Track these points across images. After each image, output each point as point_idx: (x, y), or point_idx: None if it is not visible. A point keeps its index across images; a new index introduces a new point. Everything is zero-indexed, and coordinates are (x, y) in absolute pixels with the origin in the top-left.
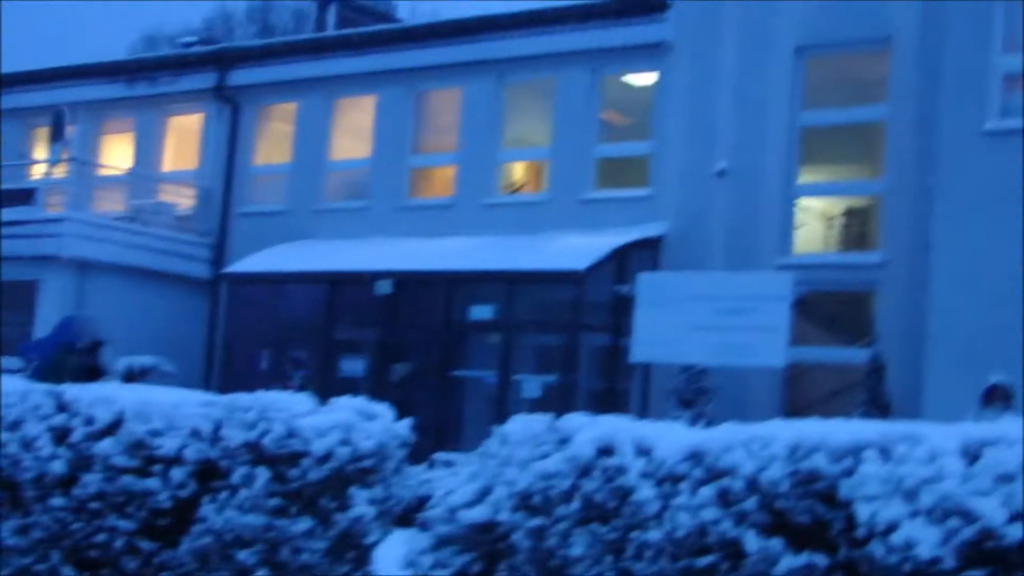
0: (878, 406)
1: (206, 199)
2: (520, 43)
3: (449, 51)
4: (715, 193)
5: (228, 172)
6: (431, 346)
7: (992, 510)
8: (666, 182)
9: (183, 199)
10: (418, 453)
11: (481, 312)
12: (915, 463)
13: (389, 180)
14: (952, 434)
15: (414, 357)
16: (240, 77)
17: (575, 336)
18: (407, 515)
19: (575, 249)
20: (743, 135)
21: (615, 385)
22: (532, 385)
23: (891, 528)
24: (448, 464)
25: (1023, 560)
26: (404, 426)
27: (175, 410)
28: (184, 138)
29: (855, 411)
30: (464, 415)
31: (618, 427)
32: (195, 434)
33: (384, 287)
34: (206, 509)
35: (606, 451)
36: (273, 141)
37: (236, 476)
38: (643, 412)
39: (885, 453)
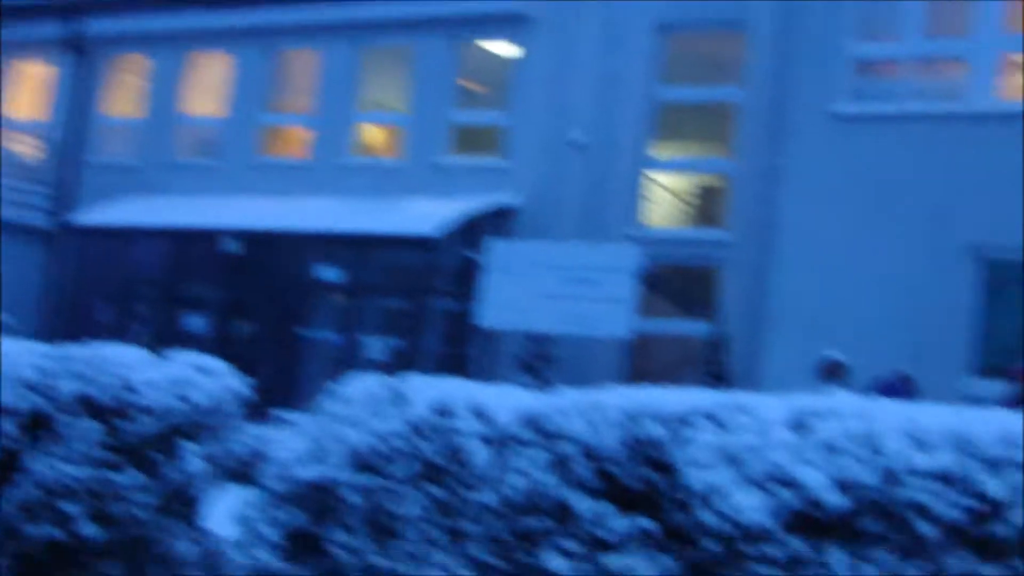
0: (718, 378)
1: (55, 150)
2: (379, 7)
3: (307, 12)
4: (569, 165)
5: (78, 123)
6: (278, 305)
7: (817, 479)
8: (522, 152)
9: (30, 148)
10: (259, 411)
11: (329, 273)
12: (744, 432)
13: (243, 138)
14: (782, 405)
15: (260, 316)
16: (92, 27)
17: (423, 300)
18: (242, 472)
19: (428, 214)
20: (600, 109)
21: (461, 350)
22: (378, 347)
23: (719, 494)
24: (287, 422)
25: (844, 527)
26: (242, 383)
27: (8, 361)
28: (35, 87)
29: (696, 383)
30: (308, 375)
31: (456, 390)
32: (27, 385)
33: (231, 244)
34: (32, 460)
35: (443, 413)
36: (125, 94)
37: (65, 427)
38: (486, 377)
39: (717, 421)
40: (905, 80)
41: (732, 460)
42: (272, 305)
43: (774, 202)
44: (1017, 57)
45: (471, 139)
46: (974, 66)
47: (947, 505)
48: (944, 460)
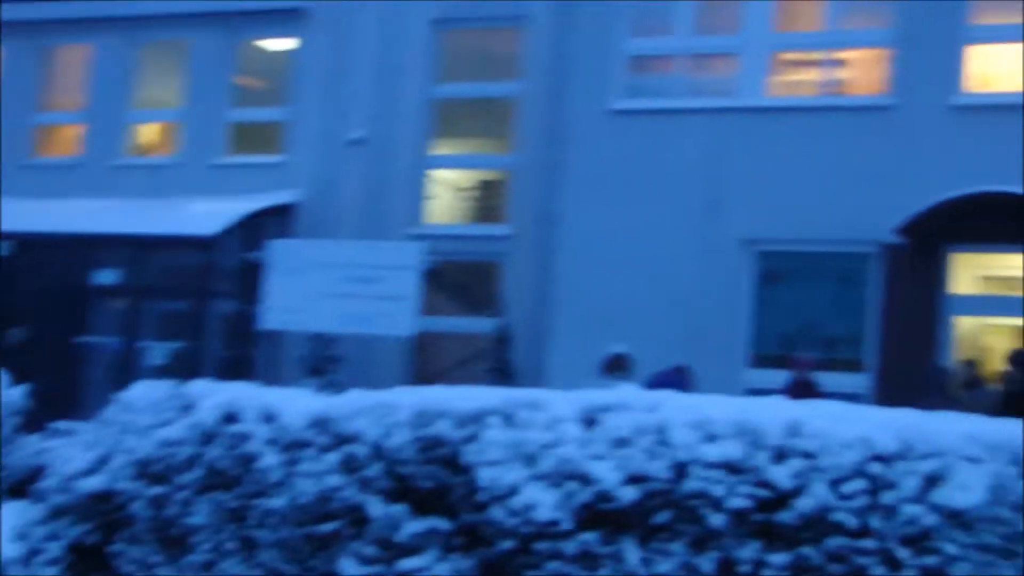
0: (504, 374)
1: None
2: (153, 3)
3: (78, 6)
4: (349, 162)
5: None
6: (52, 311)
7: (608, 473)
8: (301, 149)
9: None
10: (36, 422)
11: (106, 276)
12: (535, 429)
13: (11, 138)
14: (572, 401)
15: (34, 322)
16: None
17: (203, 303)
18: (20, 486)
19: (205, 214)
20: (379, 105)
21: (244, 352)
22: (158, 352)
23: (511, 492)
24: (66, 433)
25: (636, 520)
26: (18, 393)
27: None
28: None
29: (482, 379)
30: (87, 382)
31: (243, 394)
32: None
33: (0, 248)
34: None
35: (230, 418)
36: None
37: None
38: (272, 380)
39: (507, 419)
40: (679, 76)
41: (524, 457)
42: (47, 311)
43: (554, 197)
44: (786, 54)
45: (249, 137)
46: (745, 62)
47: (735, 495)
48: (731, 450)
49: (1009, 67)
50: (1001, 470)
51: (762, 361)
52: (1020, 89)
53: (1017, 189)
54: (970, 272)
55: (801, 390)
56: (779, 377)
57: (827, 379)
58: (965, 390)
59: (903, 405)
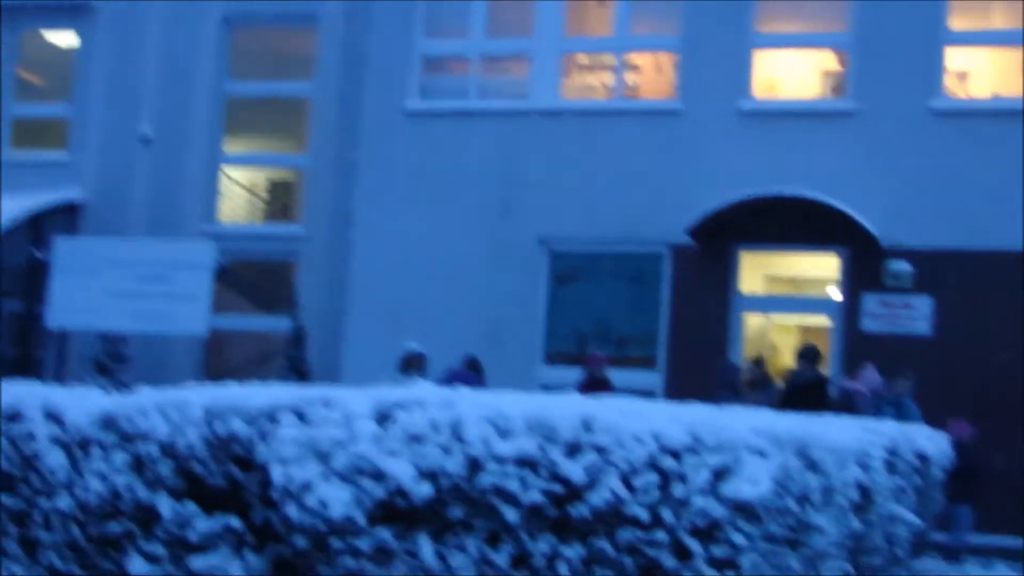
0: (299, 373)
1: None
2: None
3: None
4: (138, 159)
5: None
6: None
7: (402, 469)
8: (87, 146)
9: None
10: None
11: None
12: (329, 426)
13: None
14: (365, 398)
15: None
16: None
17: None
18: None
19: None
20: (168, 102)
21: (30, 352)
22: None
23: (305, 489)
24: None
25: (430, 516)
26: None
27: None
28: None
29: (276, 378)
30: None
31: (26, 393)
32: None
33: None
34: None
35: (13, 417)
36: None
37: None
38: (60, 379)
39: (301, 416)
40: (474, 77)
41: (318, 455)
42: None
43: (348, 197)
44: (579, 58)
45: (33, 132)
46: (537, 65)
47: (529, 489)
48: (525, 445)
49: (795, 73)
50: (787, 462)
51: (556, 359)
52: (806, 96)
53: (802, 192)
54: (758, 272)
55: (594, 387)
56: (573, 374)
57: (620, 376)
58: (752, 387)
59: (694, 401)
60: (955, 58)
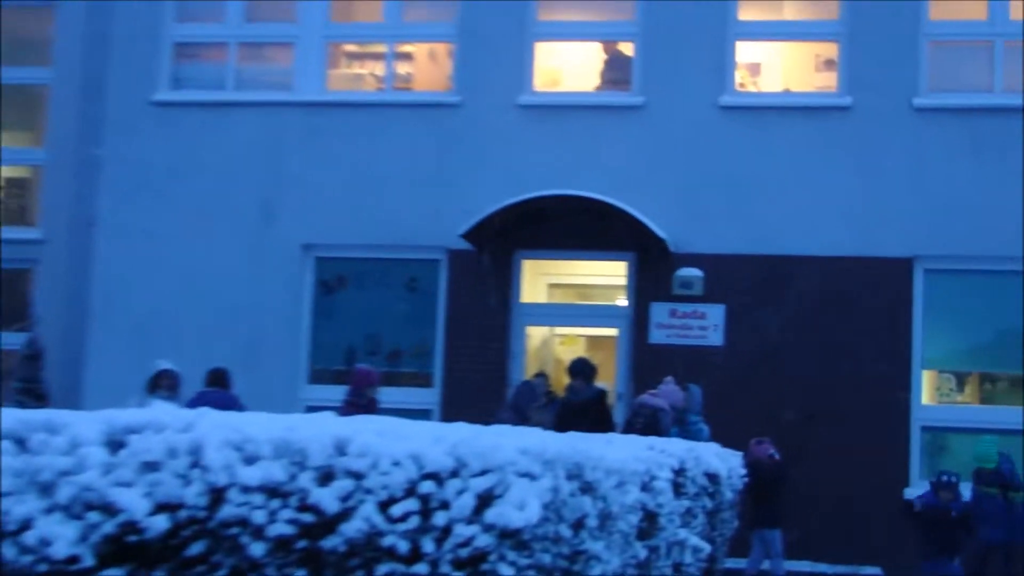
0: (34, 395)
1: None
2: None
3: None
4: None
5: None
6: None
7: (135, 501)
8: None
9: None
10: None
11: None
12: (54, 453)
13: None
14: (97, 421)
15: None
16: None
17: None
18: None
19: None
20: None
21: None
22: None
23: (24, 526)
24: None
25: (167, 552)
26: None
27: None
28: None
29: (8, 400)
30: None
31: None
32: None
33: None
34: None
35: None
36: None
37: None
38: None
39: (21, 444)
40: (232, 66)
41: (40, 486)
42: None
43: (91, 197)
44: (347, 46)
45: None
46: (301, 53)
47: (277, 520)
48: (272, 472)
49: (579, 66)
50: (558, 485)
51: (323, 376)
52: (590, 89)
53: (586, 193)
54: (541, 280)
55: (361, 406)
56: (340, 393)
57: (393, 395)
58: (535, 404)
59: (472, 420)
60: (746, 52)
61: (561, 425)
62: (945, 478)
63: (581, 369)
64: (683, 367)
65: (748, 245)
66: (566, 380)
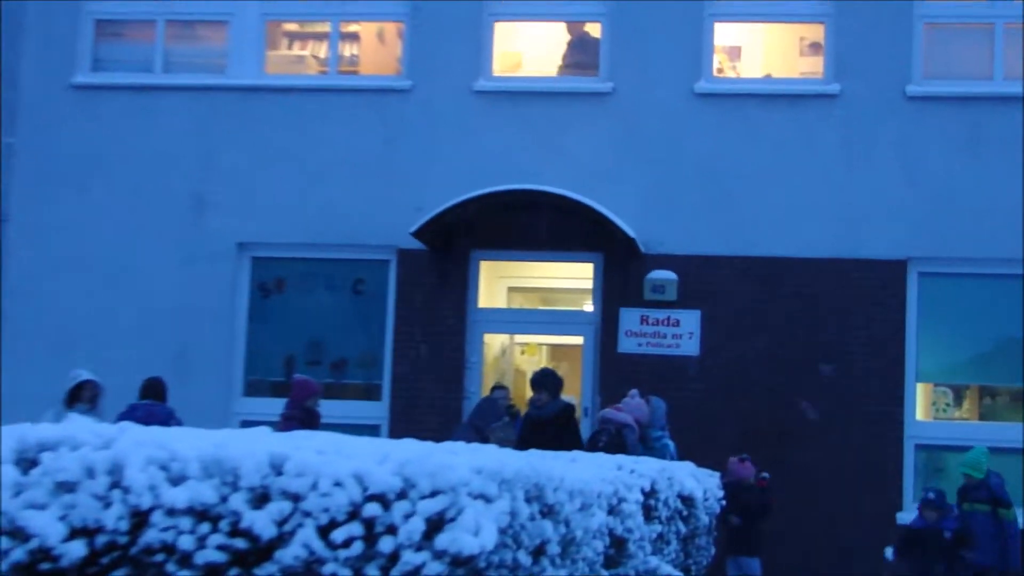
0: None
1: None
2: None
3: None
4: None
5: None
6: None
7: (49, 525)
8: None
9: None
10: None
11: None
12: None
13: None
14: (7, 437)
15: None
16: None
17: None
18: None
19: None
20: None
21: None
22: None
23: None
24: None
25: None
26: None
27: None
28: None
29: None
30: None
31: None
32: None
33: None
34: None
35: None
36: None
37: None
38: None
39: None
40: (159, 46)
41: None
42: None
43: (3, 189)
44: (287, 25)
45: None
46: (237, 32)
47: (207, 546)
48: (201, 493)
49: (542, 49)
50: (516, 508)
51: (259, 388)
52: (552, 73)
53: (548, 187)
54: (501, 282)
55: (301, 420)
56: (278, 406)
57: (338, 408)
58: (495, 418)
59: (424, 437)
60: (725, 34)
61: (524, 443)
62: (931, 495)
63: (545, 381)
64: (653, 379)
65: (726, 245)
66: (529, 393)
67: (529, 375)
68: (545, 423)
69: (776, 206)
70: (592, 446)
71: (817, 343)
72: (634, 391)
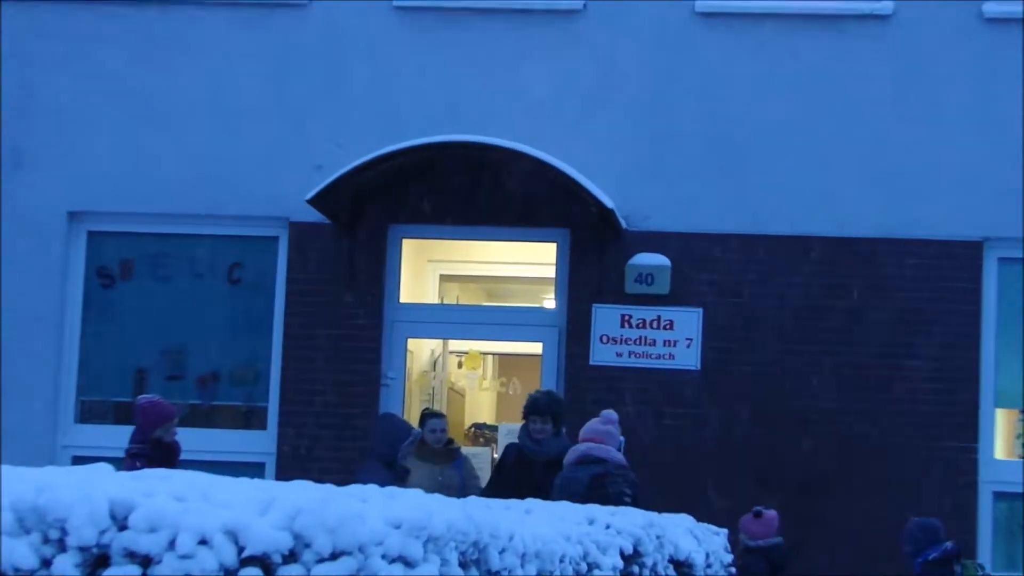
0: None
1: None
2: None
3: None
4: None
5: None
6: None
7: None
8: None
9: None
10: None
11: None
12: None
13: None
14: None
15: None
16: None
17: None
18: None
19: None
20: None
21: None
22: None
23: None
24: None
25: None
26: None
27: None
28: None
29: None
30: None
31: None
32: None
33: None
34: None
35: None
36: None
37: None
38: None
39: None
40: None
41: None
42: None
43: None
44: None
45: None
46: None
47: None
48: (15, 554)
49: None
50: (448, 574)
51: (96, 412)
52: None
53: (494, 139)
54: (430, 269)
55: (151, 458)
56: (123, 437)
57: (207, 440)
58: (419, 456)
59: (322, 479)
60: None
61: (503, 487)
62: (950, 545)
63: (553, 407)
64: (638, 401)
65: (738, 221)
66: (474, 420)
67: (475, 396)
68: (545, 464)
69: (805, 168)
70: (563, 492)
71: (860, 355)
72: (610, 413)
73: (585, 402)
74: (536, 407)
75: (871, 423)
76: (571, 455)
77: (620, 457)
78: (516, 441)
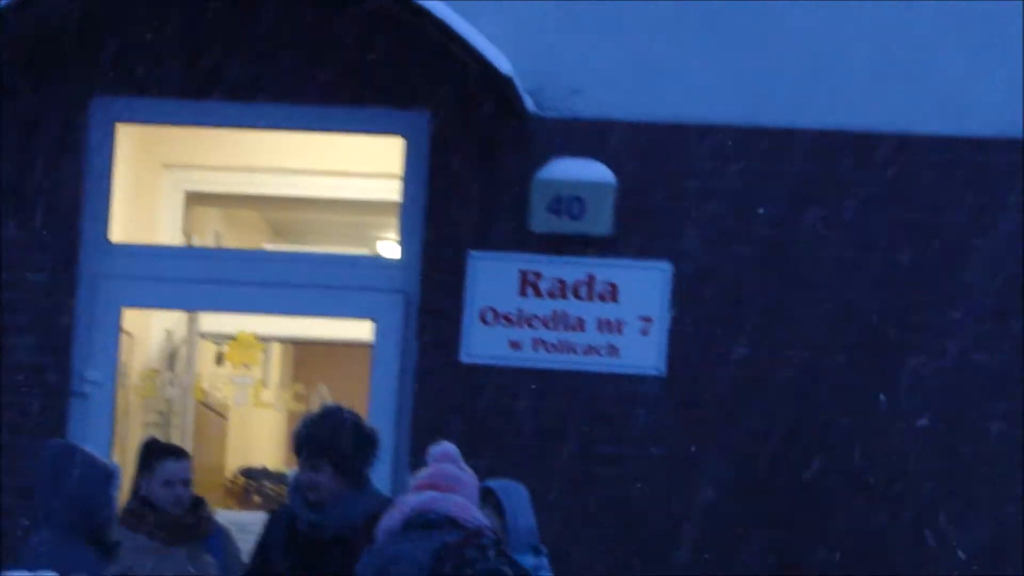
0: None
1: None
2: None
3: None
4: None
5: None
6: None
7: None
8: None
9: None
10: None
11: None
12: None
13: None
14: None
15: None
16: None
17: None
18: None
19: None
20: None
21: None
22: None
23: None
24: None
25: None
26: None
27: None
28: None
29: None
30: None
31: None
32: None
33: None
34: None
35: None
36: None
37: None
38: None
39: None
40: None
41: None
42: None
43: None
44: None
45: None
46: None
47: None
48: None
49: None
50: None
51: None
52: None
53: None
54: (169, 179)
55: None
56: None
57: None
58: (138, 529)
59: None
60: None
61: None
62: None
63: (323, 441)
64: (544, 436)
65: (722, 108)
66: (261, 460)
67: (237, 417)
68: (329, 543)
69: (818, 25)
70: None
71: (896, 312)
72: (446, 449)
73: (449, 433)
74: (299, 443)
75: (932, 429)
76: (392, 517)
77: (481, 517)
78: (286, 503)
